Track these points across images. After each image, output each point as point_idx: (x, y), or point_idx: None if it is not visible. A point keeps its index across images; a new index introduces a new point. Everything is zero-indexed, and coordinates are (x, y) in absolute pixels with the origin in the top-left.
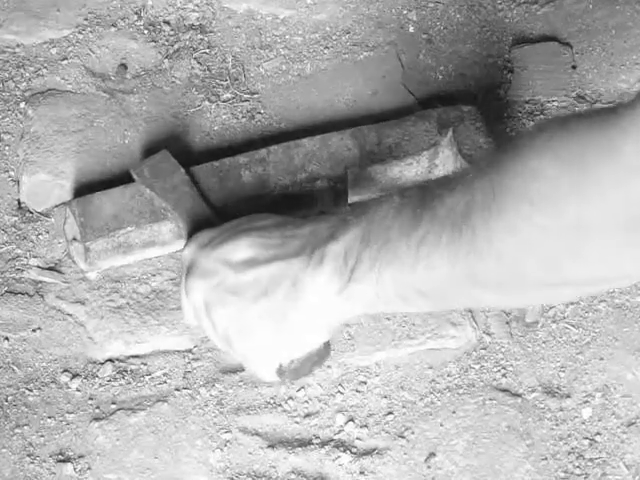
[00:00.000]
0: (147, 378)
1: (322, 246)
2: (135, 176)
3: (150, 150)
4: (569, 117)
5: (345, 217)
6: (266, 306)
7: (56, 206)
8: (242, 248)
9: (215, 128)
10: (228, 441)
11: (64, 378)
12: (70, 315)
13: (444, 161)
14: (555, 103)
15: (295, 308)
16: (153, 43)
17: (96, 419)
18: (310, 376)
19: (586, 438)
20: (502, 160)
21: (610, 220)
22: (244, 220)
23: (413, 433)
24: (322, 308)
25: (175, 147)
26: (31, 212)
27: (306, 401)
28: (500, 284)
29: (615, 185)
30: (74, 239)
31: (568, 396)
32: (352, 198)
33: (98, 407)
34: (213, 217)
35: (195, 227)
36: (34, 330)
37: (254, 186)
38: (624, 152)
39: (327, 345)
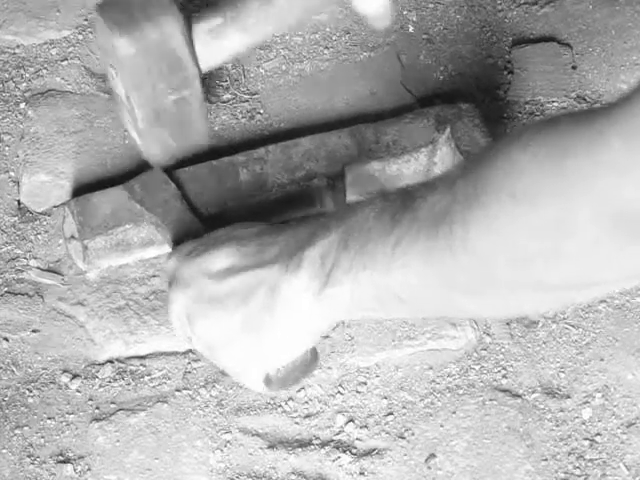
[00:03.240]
0: (147, 379)
1: (299, 251)
2: (126, 192)
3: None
4: (558, 115)
5: (325, 222)
6: (245, 315)
7: (56, 207)
8: (221, 257)
9: (215, 128)
10: (228, 442)
11: (64, 379)
12: (70, 316)
13: (442, 158)
14: (555, 104)
15: (273, 316)
16: None
17: (96, 420)
18: (298, 385)
19: (586, 439)
20: (486, 156)
21: (591, 219)
22: (226, 230)
23: (413, 434)
24: (301, 314)
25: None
26: (31, 212)
27: (306, 402)
28: (473, 286)
29: (601, 184)
30: (72, 237)
31: (568, 397)
32: (350, 197)
33: (98, 408)
34: (202, 231)
35: (183, 240)
36: (34, 331)
37: (252, 185)
38: (611, 147)
39: (314, 353)
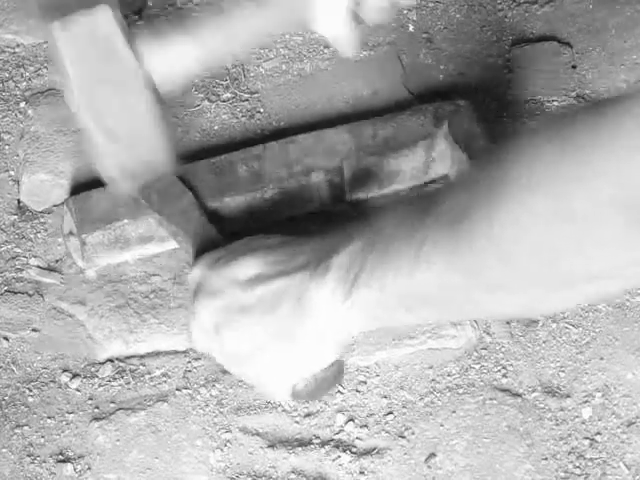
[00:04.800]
0: (147, 378)
1: (326, 259)
2: (143, 201)
3: None
4: (565, 110)
5: (350, 230)
6: (273, 323)
7: (56, 206)
8: (249, 266)
9: (215, 127)
10: (228, 441)
11: (64, 378)
12: (70, 315)
13: (440, 154)
14: (555, 103)
15: (302, 324)
16: None
17: (96, 419)
18: (324, 398)
19: (586, 438)
20: (502, 152)
21: (610, 208)
22: (251, 239)
23: (413, 433)
24: (328, 321)
25: (175, 147)
26: (31, 211)
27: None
28: (499, 283)
29: (615, 171)
30: (71, 233)
31: (568, 396)
32: (350, 194)
33: (98, 407)
34: (221, 240)
35: (203, 250)
36: (34, 330)
37: (250, 181)
38: (626, 130)
39: (341, 365)
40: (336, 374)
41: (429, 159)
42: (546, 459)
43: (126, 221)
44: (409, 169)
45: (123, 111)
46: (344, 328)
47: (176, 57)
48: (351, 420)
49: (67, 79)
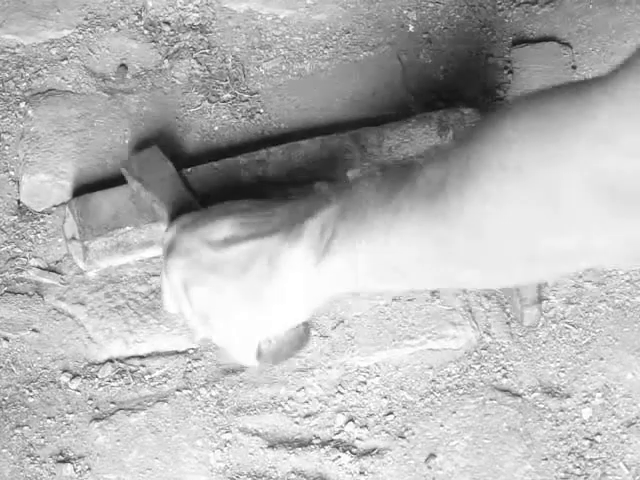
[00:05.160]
0: (147, 378)
1: (300, 222)
2: (124, 170)
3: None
4: (546, 88)
5: (326, 195)
6: (242, 283)
7: (56, 206)
8: (223, 227)
9: (215, 128)
10: (228, 441)
11: (64, 378)
12: (70, 315)
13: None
14: None
15: (270, 284)
16: (153, 43)
17: (96, 419)
18: (289, 360)
19: (586, 438)
20: (477, 129)
21: (581, 189)
22: (226, 204)
23: (413, 433)
24: (298, 283)
25: (175, 147)
26: (31, 212)
27: (306, 401)
28: (468, 256)
29: (586, 153)
30: (73, 238)
31: (568, 396)
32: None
33: (98, 407)
34: (198, 206)
35: (179, 214)
36: (34, 330)
37: (253, 186)
38: (597, 118)
39: (307, 328)
40: (302, 337)
41: None
42: (546, 459)
43: (129, 228)
44: None
45: None
46: (314, 292)
47: None
48: (351, 420)
49: None
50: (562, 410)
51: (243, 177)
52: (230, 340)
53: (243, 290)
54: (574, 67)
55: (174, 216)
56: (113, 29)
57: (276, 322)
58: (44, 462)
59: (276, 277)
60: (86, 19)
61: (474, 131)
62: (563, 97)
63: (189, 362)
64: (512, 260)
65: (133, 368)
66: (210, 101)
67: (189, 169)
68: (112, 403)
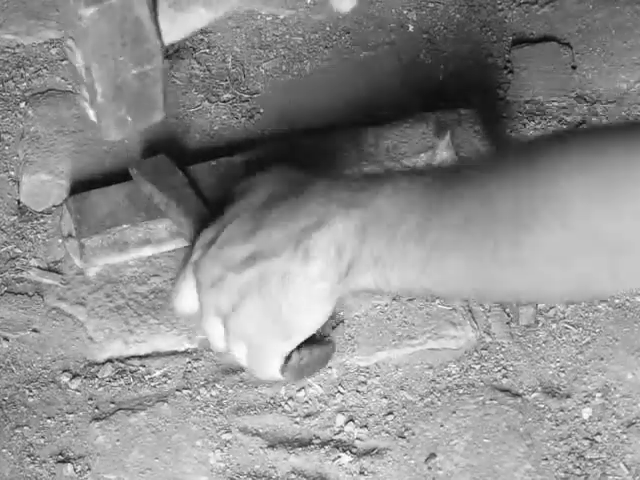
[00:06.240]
0: (147, 378)
1: (306, 239)
2: (135, 171)
3: (150, 150)
4: (590, 137)
5: (328, 205)
6: (261, 302)
7: (56, 206)
8: (238, 249)
9: (215, 128)
10: (228, 441)
11: (64, 378)
12: (70, 315)
13: (442, 164)
14: (555, 103)
15: (288, 300)
16: None
17: (96, 419)
18: (314, 375)
19: (586, 438)
20: (525, 179)
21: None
22: (230, 216)
23: (413, 433)
24: (316, 295)
25: (175, 147)
26: (31, 212)
27: (306, 401)
28: (518, 292)
29: None
30: (69, 235)
31: (568, 396)
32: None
33: (98, 407)
34: (210, 217)
35: (195, 225)
36: (34, 330)
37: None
38: None
39: (332, 344)
40: (328, 353)
41: None
42: (546, 459)
43: (125, 226)
44: None
45: (136, 77)
46: (335, 296)
47: (192, 24)
48: (351, 420)
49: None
50: (562, 410)
51: (241, 176)
52: (256, 357)
53: (264, 306)
54: (574, 67)
55: (192, 228)
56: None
57: (302, 327)
58: (44, 462)
59: (292, 292)
60: None
61: (518, 176)
62: (613, 146)
63: (189, 362)
64: (558, 297)
65: (133, 368)
66: (210, 101)
67: (190, 167)
68: (112, 403)
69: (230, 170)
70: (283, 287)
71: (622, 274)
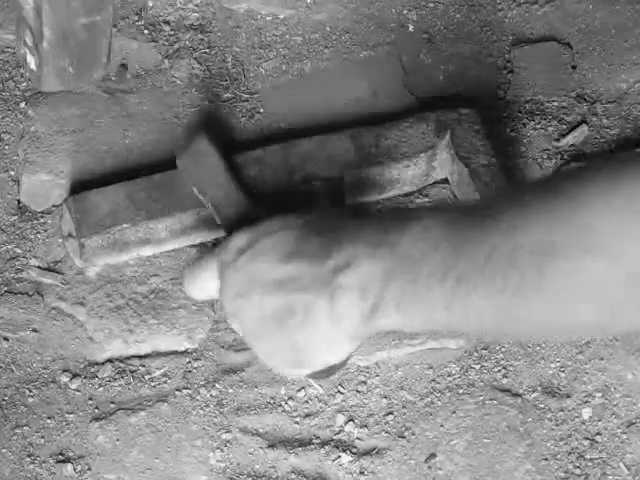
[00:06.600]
0: (147, 378)
1: (333, 279)
2: (180, 168)
3: (150, 150)
4: (618, 168)
5: (356, 245)
6: (280, 331)
7: (56, 206)
8: (268, 271)
9: (215, 128)
10: (228, 441)
11: (64, 378)
12: (70, 315)
13: (442, 164)
14: (555, 103)
15: (307, 336)
16: (153, 43)
17: (96, 419)
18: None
19: (586, 438)
20: (547, 211)
21: None
22: (269, 228)
23: (413, 433)
24: (338, 333)
25: (175, 147)
26: (31, 212)
27: (306, 401)
28: (545, 326)
29: None
30: (70, 235)
31: (568, 396)
32: (349, 200)
33: (98, 407)
34: (251, 208)
35: (231, 219)
36: (34, 330)
37: (250, 186)
38: None
39: None
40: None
41: (430, 168)
42: (546, 459)
43: (125, 225)
44: (409, 177)
45: (85, 27)
46: (360, 336)
47: None
48: (351, 420)
49: None
50: (562, 410)
51: (240, 176)
52: (276, 370)
53: (282, 336)
54: (574, 67)
55: (227, 223)
56: (113, 29)
57: (317, 361)
58: (44, 462)
59: (313, 329)
60: None
61: (542, 210)
62: (634, 176)
63: (189, 362)
64: (591, 329)
65: (133, 368)
66: (210, 101)
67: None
68: (112, 403)
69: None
70: (305, 323)
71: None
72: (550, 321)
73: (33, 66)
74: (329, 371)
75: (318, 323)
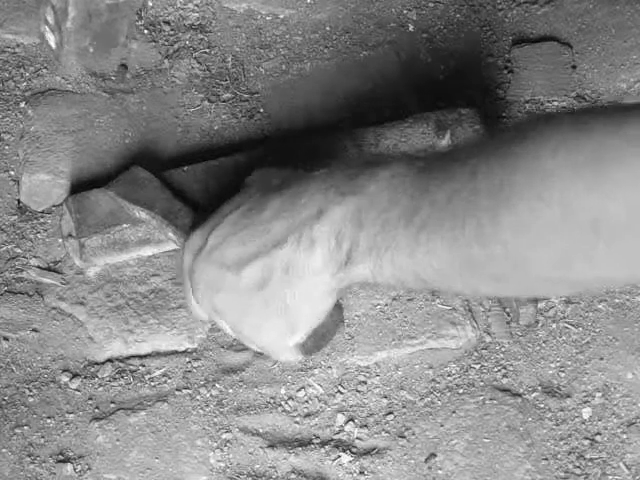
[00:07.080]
0: (147, 378)
1: (308, 228)
2: (111, 193)
3: (150, 149)
4: (580, 115)
5: (327, 193)
6: (264, 298)
7: (56, 206)
8: (230, 248)
9: (215, 128)
10: (228, 441)
11: (64, 378)
12: (70, 315)
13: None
14: (555, 103)
15: (292, 292)
16: (153, 43)
17: (96, 419)
18: (329, 343)
19: (586, 438)
20: (510, 154)
21: (626, 222)
22: (218, 217)
23: (413, 433)
24: (321, 284)
25: (175, 146)
26: (31, 212)
27: (306, 401)
28: (502, 276)
29: (634, 185)
30: (70, 235)
31: (568, 396)
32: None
33: (98, 407)
34: (189, 212)
35: (188, 227)
36: (34, 330)
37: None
38: None
39: (340, 310)
40: (337, 320)
41: None
42: (546, 459)
43: (125, 225)
44: None
45: (109, 8)
46: (339, 286)
47: None
48: (351, 420)
49: None
50: (562, 410)
51: (240, 175)
52: (271, 349)
53: (265, 304)
54: (574, 67)
55: (181, 234)
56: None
57: (307, 320)
58: (44, 462)
59: (296, 283)
60: None
61: (504, 154)
62: (603, 127)
63: (189, 362)
64: (540, 280)
65: (133, 368)
66: (210, 101)
67: (186, 167)
68: (112, 403)
69: (230, 169)
70: (287, 279)
71: (596, 257)
72: (505, 272)
73: (52, 44)
74: (320, 341)
75: (299, 276)
